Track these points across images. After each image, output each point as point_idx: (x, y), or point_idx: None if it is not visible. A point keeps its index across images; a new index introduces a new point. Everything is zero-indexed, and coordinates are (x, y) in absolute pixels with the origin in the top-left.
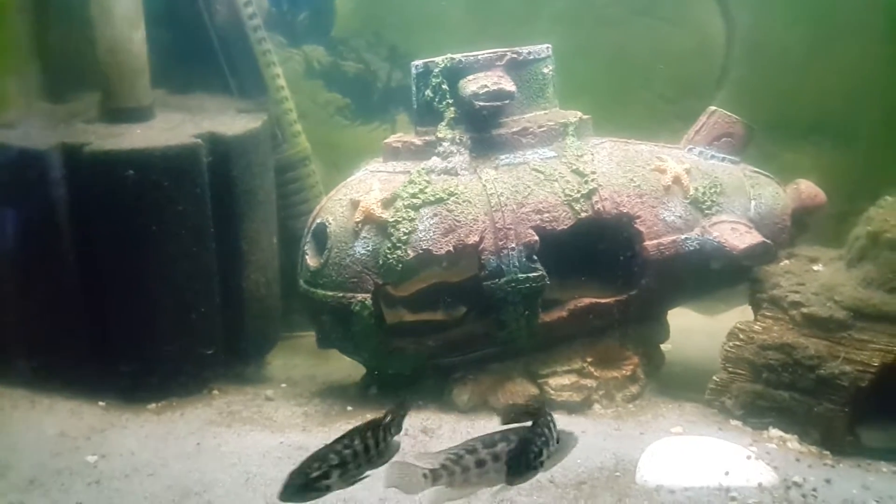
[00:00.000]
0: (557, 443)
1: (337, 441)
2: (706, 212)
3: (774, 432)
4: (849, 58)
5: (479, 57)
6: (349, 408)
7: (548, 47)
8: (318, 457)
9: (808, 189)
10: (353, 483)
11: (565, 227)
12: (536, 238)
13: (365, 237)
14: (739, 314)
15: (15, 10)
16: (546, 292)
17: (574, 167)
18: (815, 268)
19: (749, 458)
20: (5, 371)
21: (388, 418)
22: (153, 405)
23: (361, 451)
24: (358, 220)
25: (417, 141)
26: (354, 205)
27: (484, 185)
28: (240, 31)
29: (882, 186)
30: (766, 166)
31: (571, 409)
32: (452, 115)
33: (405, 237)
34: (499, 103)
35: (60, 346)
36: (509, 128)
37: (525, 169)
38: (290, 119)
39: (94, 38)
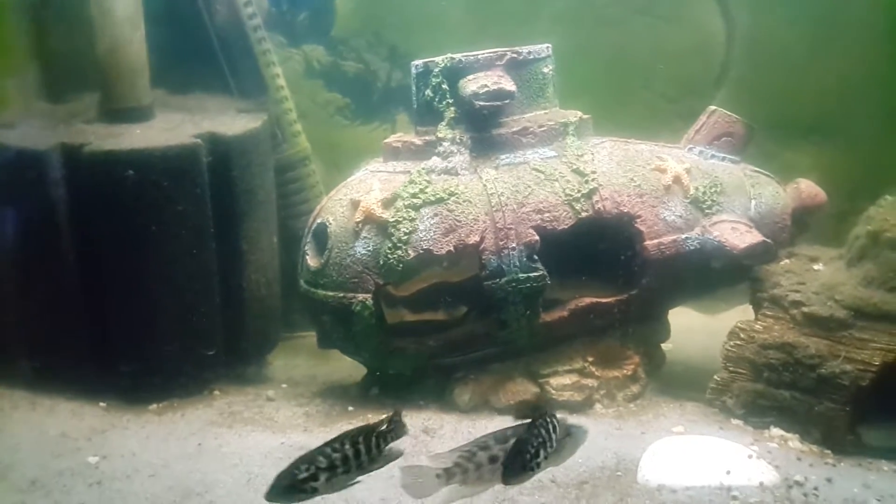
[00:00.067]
0: (558, 443)
1: (327, 444)
2: (706, 211)
3: (775, 431)
4: (849, 57)
5: (479, 57)
6: (350, 408)
7: (548, 47)
8: (307, 458)
9: (808, 188)
10: (342, 488)
11: (566, 226)
12: (537, 238)
13: (365, 237)
14: (740, 313)
15: (15, 11)
16: (547, 292)
17: (574, 167)
18: (816, 267)
19: (750, 457)
20: (6, 372)
21: (384, 426)
22: (154, 406)
23: (352, 456)
24: (358, 220)
25: (417, 141)
26: (355, 205)
27: (484, 185)
28: (240, 31)
29: (882, 186)
30: (766, 166)
31: (573, 408)
32: (452, 115)
33: (406, 237)
34: (499, 103)
35: (61, 346)
36: (509, 127)
37: (525, 169)
38: (289, 119)
39: (94, 38)
